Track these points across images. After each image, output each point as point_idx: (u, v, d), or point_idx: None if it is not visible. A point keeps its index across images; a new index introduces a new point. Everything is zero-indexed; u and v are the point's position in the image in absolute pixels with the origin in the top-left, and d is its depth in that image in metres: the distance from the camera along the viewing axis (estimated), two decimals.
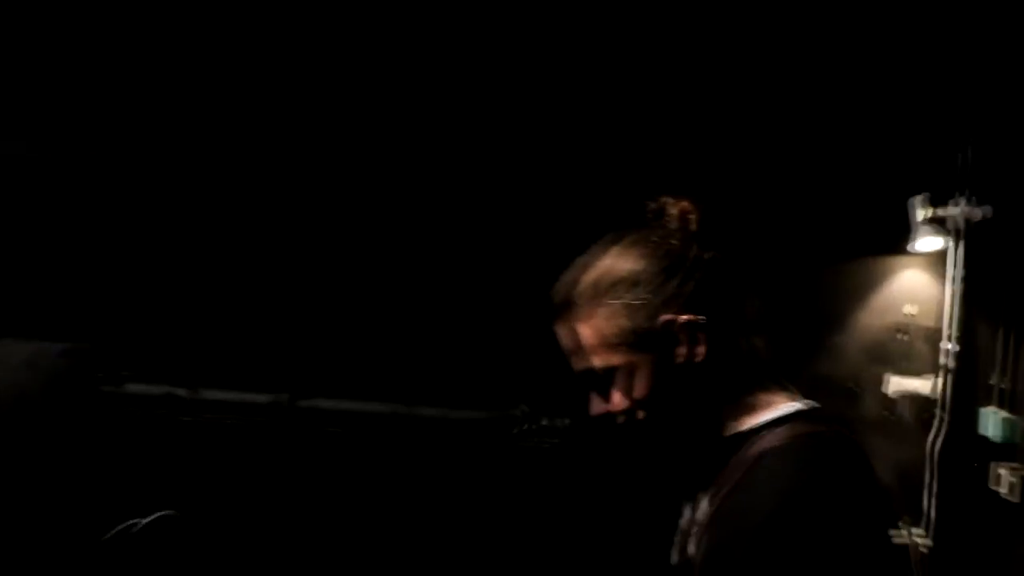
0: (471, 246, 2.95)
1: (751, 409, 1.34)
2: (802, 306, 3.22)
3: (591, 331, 1.34)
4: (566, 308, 1.38)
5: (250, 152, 2.96)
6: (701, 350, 1.32)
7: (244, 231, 3.06)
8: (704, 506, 1.33)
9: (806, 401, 1.35)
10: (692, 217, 1.38)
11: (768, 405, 1.34)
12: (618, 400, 1.34)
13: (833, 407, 3.02)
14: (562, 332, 1.39)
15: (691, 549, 1.32)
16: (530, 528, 2.97)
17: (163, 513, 2.09)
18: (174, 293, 3.11)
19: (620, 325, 1.33)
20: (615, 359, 1.33)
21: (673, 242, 1.36)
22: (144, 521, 2.07)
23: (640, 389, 1.33)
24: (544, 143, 2.98)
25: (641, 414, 1.34)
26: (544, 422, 2.97)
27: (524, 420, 3.03)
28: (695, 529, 1.34)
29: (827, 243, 3.22)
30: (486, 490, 3.02)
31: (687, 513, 1.40)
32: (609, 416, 1.35)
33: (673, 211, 1.38)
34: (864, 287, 3.32)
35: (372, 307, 3.14)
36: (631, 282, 1.34)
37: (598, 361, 1.34)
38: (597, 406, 1.36)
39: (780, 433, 1.28)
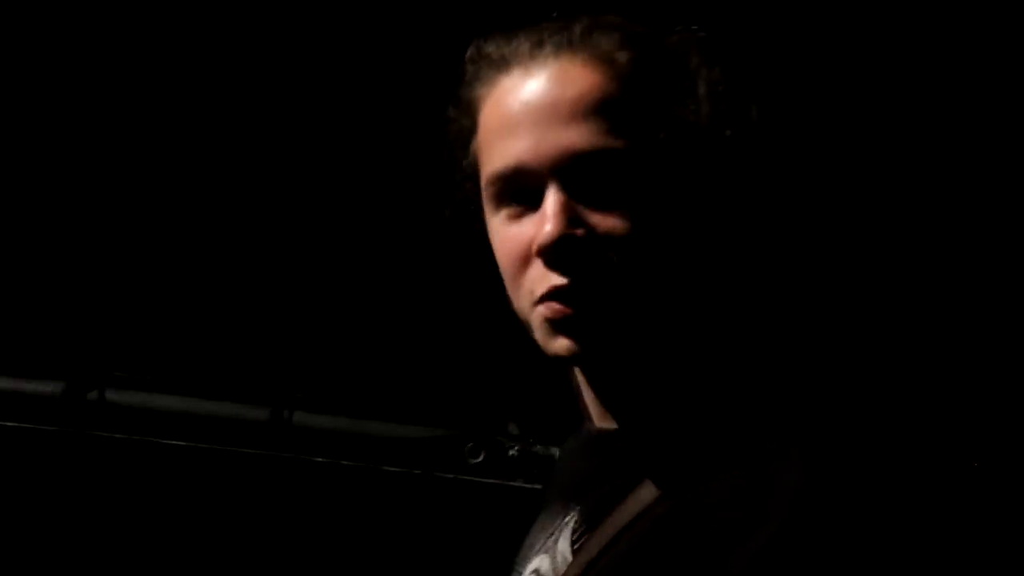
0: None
1: (728, 376, 0.99)
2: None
3: (606, 78, 0.96)
4: (570, 33, 0.98)
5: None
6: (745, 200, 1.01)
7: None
8: (562, 546, 1.00)
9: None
10: None
11: (755, 379, 0.99)
12: (599, 222, 0.94)
13: None
14: (547, 80, 0.97)
15: None
16: None
17: None
18: None
19: (658, 85, 0.97)
20: (624, 138, 0.94)
21: None
22: None
23: (644, 205, 0.94)
24: None
25: (615, 259, 0.93)
26: (513, 451, 2.21)
27: (484, 444, 2.24)
28: None
29: None
30: (415, 551, 2.34)
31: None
32: (569, 253, 0.93)
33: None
34: None
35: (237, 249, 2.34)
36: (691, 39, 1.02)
37: (601, 137, 0.94)
38: (558, 223, 0.93)
39: (795, 460, 0.90)
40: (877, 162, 2.16)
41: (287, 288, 2.29)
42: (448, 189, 1.06)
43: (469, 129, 1.01)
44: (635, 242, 0.94)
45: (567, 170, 0.93)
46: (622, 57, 0.96)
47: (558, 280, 0.93)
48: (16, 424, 2.21)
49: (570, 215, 0.93)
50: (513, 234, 0.96)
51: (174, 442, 2.18)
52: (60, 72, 2.34)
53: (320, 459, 2.18)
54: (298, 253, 2.30)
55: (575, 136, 0.94)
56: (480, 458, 2.21)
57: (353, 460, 2.20)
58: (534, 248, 0.93)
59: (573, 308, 0.93)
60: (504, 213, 0.97)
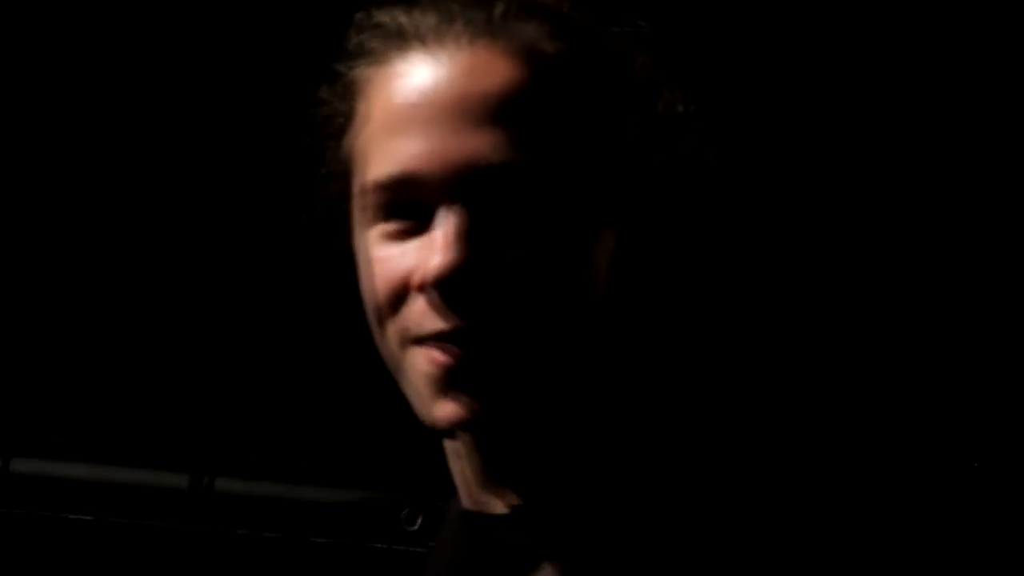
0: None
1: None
2: None
3: (528, 74, 0.79)
4: (488, 12, 0.80)
5: None
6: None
7: None
8: None
9: None
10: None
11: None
12: (504, 254, 0.76)
13: None
14: (454, 68, 0.79)
15: None
16: None
17: None
18: None
19: (591, 90, 0.80)
20: (544, 152, 0.77)
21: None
22: None
23: (560, 236, 0.78)
24: None
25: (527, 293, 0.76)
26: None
27: (422, 509, 2.08)
28: None
29: None
30: None
31: None
32: (464, 291, 0.75)
33: None
34: None
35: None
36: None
37: (515, 148, 0.76)
38: (454, 252, 0.75)
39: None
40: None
41: (203, 342, 2.15)
42: (307, 187, 0.88)
43: (345, 116, 0.83)
44: (547, 282, 0.77)
45: (469, 185, 0.76)
46: (551, 49, 0.79)
47: (448, 323, 0.76)
48: None
49: (469, 242, 0.76)
50: (390, 257, 0.78)
51: (82, 517, 2.03)
52: None
53: (242, 531, 2.03)
54: (215, 307, 2.17)
55: (483, 143, 0.76)
56: (418, 525, 2.06)
57: (278, 531, 2.04)
58: (417, 279, 0.76)
59: (464, 361, 0.75)
60: (381, 229, 0.79)
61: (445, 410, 0.76)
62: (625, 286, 0.84)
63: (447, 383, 0.76)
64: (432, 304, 0.75)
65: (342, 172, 0.84)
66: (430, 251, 0.75)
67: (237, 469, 2.06)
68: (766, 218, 1.89)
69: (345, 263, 1.08)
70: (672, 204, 0.86)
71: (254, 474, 2.05)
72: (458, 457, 0.85)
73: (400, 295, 0.77)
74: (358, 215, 0.81)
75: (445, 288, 0.74)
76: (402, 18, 0.80)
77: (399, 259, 0.77)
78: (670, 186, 0.85)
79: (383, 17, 0.82)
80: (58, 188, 2.14)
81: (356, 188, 0.81)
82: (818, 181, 1.97)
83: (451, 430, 0.79)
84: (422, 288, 0.75)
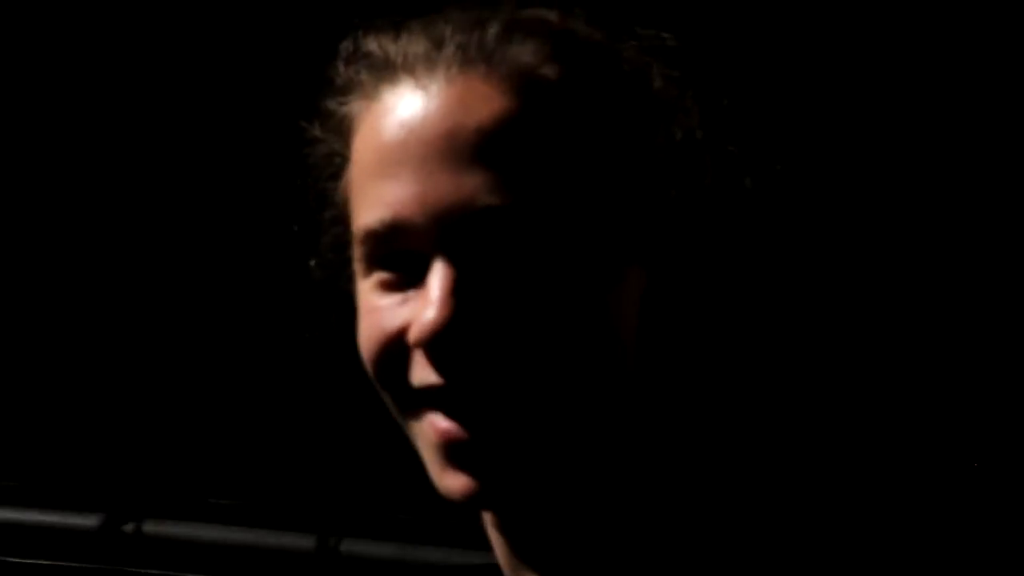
0: None
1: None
2: None
3: (527, 104, 0.68)
4: (482, 35, 0.70)
5: None
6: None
7: None
8: None
9: None
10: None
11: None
12: (505, 307, 0.67)
13: None
14: (444, 101, 0.69)
15: None
16: None
17: None
18: None
19: (601, 118, 0.70)
20: (546, 192, 0.67)
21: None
22: None
23: (569, 286, 0.68)
24: None
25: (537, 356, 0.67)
26: None
27: None
28: None
29: None
30: None
31: None
32: (460, 350, 0.67)
33: None
34: None
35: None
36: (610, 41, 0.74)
37: (512, 189, 0.67)
38: (445, 308, 0.66)
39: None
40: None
41: (330, 398, 2.03)
42: (313, 232, 0.79)
43: (341, 155, 0.75)
44: (556, 333, 0.67)
45: (464, 231, 0.67)
46: (552, 74, 0.69)
47: (443, 378, 0.68)
48: (50, 562, 2.06)
49: (466, 295, 0.67)
50: (384, 308, 0.70)
51: None
52: None
53: None
54: (339, 372, 2.08)
55: (478, 184, 0.67)
56: None
57: None
58: (412, 334, 0.67)
59: (470, 430, 0.67)
60: (376, 278, 0.71)
61: (456, 483, 0.68)
62: (660, 329, 0.74)
63: (454, 455, 0.68)
64: (428, 361, 0.67)
65: (342, 216, 0.76)
66: (424, 305, 0.67)
67: (364, 530, 1.98)
68: (809, 250, 1.74)
69: None
70: (707, 237, 0.75)
71: (381, 535, 1.97)
72: (492, 528, 0.77)
73: (395, 349, 0.69)
74: (356, 263, 0.73)
75: (440, 345, 0.66)
76: (390, 46, 0.72)
77: (394, 311, 0.69)
78: (703, 218, 0.75)
79: (370, 45, 0.73)
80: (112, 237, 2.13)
81: (352, 234, 0.73)
82: (870, 207, 1.80)
83: (466, 504, 0.70)
84: (417, 344, 0.67)
